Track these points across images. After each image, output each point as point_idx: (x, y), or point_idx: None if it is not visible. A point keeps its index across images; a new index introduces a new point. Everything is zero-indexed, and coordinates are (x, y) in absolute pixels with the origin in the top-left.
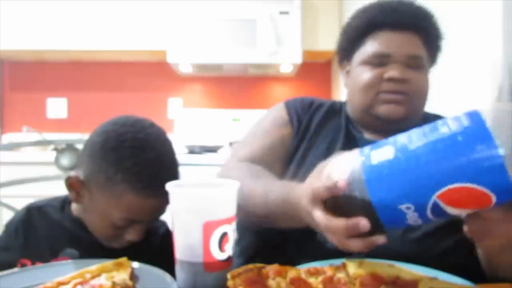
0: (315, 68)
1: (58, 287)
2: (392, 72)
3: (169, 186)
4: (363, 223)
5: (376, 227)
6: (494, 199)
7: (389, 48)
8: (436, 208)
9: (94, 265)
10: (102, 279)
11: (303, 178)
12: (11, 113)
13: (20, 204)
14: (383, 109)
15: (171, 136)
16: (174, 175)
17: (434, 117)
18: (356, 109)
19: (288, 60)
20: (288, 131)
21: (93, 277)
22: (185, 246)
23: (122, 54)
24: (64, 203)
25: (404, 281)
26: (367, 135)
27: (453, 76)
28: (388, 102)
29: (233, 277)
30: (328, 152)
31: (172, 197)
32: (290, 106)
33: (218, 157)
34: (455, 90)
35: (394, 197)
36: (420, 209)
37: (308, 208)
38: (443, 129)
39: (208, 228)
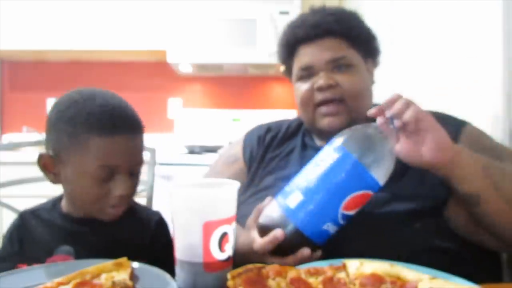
0: None
1: (58, 287)
2: (319, 81)
3: (170, 186)
4: (279, 232)
5: (310, 245)
6: (371, 193)
7: (310, 60)
8: (343, 216)
9: (94, 265)
10: (102, 279)
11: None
12: (11, 113)
13: (20, 204)
14: (324, 123)
15: (171, 136)
16: (132, 117)
17: None
18: (305, 124)
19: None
20: (240, 166)
21: (93, 277)
22: (185, 246)
23: (122, 54)
24: (55, 202)
25: (404, 281)
26: (318, 142)
27: (453, 76)
28: (327, 115)
29: (233, 277)
30: (284, 166)
31: (172, 197)
32: (246, 140)
33: None
34: (455, 89)
35: (319, 224)
36: (335, 223)
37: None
38: (324, 164)
39: (208, 228)
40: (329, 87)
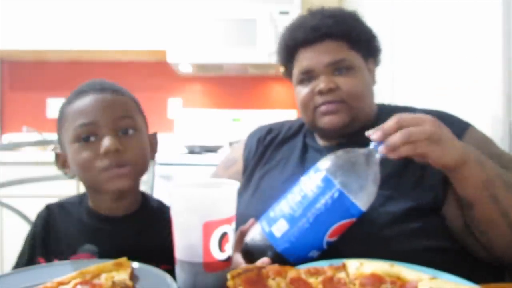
0: None
1: (58, 287)
2: (319, 85)
3: (170, 186)
4: (266, 261)
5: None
6: (354, 219)
7: (310, 63)
8: (327, 242)
9: (94, 265)
10: (102, 279)
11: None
12: (11, 113)
13: (20, 204)
14: (324, 122)
15: (171, 136)
16: (114, 85)
17: (390, 110)
18: (307, 125)
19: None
20: (238, 167)
21: (93, 277)
22: (185, 246)
23: (122, 54)
24: (82, 198)
25: (404, 281)
26: (320, 142)
27: (453, 76)
28: (326, 113)
29: (233, 277)
30: (283, 167)
31: (172, 197)
32: (247, 140)
33: (218, 157)
34: (455, 89)
35: (304, 251)
36: (319, 249)
37: None
38: (310, 193)
39: (208, 228)
40: (329, 90)
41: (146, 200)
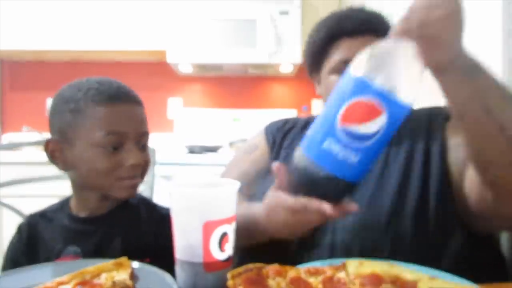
0: None
1: (58, 287)
2: None
3: (170, 186)
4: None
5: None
6: (383, 109)
7: (352, 54)
8: (344, 131)
9: (94, 265)
10: (102, 279)
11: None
12: (11, 113)
13: (20, 204)
14: None
15: (171, 136)
16: (130, 90)
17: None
18: None
19: (288, 60)
20: (262, 151)
21: (93, 277)
22: (185, 246)
23: (122, 54)
24: (63, 203)
25: (404, 281)
26: None
27: None
28: None
29: (233, 277)
30: None
31: (172, 197)
32: (267, 129)
33: (218, 157)
34: None
35: (319, 142)
36: (335, 138)
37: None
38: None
39: (208, 228)
40: None
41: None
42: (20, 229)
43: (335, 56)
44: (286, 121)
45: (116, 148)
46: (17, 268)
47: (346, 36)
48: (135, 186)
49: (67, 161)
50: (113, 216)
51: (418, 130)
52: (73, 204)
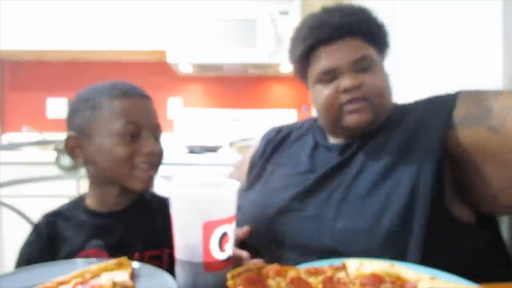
0: None
1: (58, 287)
2: (344, 82)
3: (170, 186)
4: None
5: None
6: None
7: (333, 62)
8: None
9: (94, 265)
10: (102, 279)
11: (272, 188)
12: (11, 113)
13: (20, 204)
14: (350, 120)
15: (171, 136)
16: (140, 88)
17: (401, 110)
18: (326, 124)
19: (288, 60)
20: (244, 169)
21: (93, 277)
22: (185, 246)
23: (122, 54)
24: (78, 201)
25: (404, 281)
26: (330, 140)
27: (453, 76)
28: (353, 112)
29: (233, 277)
30: (296, 159)
31: (172, 197)
32: (257, 143)
33: (218, 157)
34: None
35: None
36: None
37: None
38: None
39: (208, 228)
40: (357, 87)
41: (141, 193)
42: (38, 228)
43: (315, 66)
44: (279, 130)
45: (133, 137)
46: (17, 268)
47: (323, 45)
48: (150, 178)
49: (88, 156)
50: (131, 211)
51: (411, 122)
52: (90, 201)
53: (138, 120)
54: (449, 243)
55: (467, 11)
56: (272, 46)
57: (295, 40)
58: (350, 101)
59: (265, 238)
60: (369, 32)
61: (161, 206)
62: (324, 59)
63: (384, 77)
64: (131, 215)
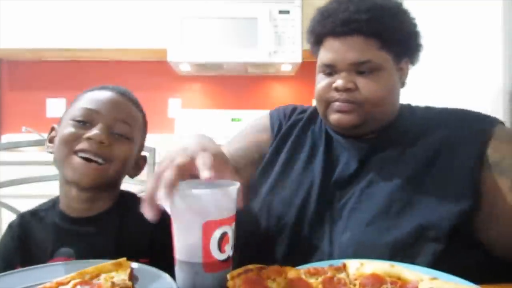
0: (315, 67)
1: (57, 287)
2: (338, 82)
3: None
4: None
5: None
6: None
7: (333, 58)
8: None
9: (93, 266)
10: (101, 280)
11: (286, 184)
12: (10, 113)
13: (20, 204)
14: (334, 118)
15: (171, 136)
16: (126, 90)
17: (410, 111)
18: (320, 115)
19: (288, 59)
20: (266, 137)
21: (92, 278)
22: (185, 246)
23: (122, 52)
24: (54, 202)
25: (404, 281)
26: (340, 139)
27: (453, 76)
28: (338, 111)
29: (233, 278)
30: (311, 157)
31: (172, 197)
32: (273, 114)
33: None
34: (455, 89)
35: None
36: None
37: None
38: None
39: (208, 228)
40: (346, 90)
41: (121, 196)
42: (11, 228)
43: (320, 56)
44: (294, 108)
45: (85, 124)
46: (17, 269)
47: (331, 36)
48: (88, 171)
49: (55, 143)
50: (105, 217)
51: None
52: (61, 202)
53: (95, 107)
54: (461, 260)
55: (467, 11)
56: (272, 45)
57: (313, 21)
58: (337, 100)
59: (275, 244)
60: (381, 34)
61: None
62: (327, 51)
63: (387, 85)
64: (105, 221)
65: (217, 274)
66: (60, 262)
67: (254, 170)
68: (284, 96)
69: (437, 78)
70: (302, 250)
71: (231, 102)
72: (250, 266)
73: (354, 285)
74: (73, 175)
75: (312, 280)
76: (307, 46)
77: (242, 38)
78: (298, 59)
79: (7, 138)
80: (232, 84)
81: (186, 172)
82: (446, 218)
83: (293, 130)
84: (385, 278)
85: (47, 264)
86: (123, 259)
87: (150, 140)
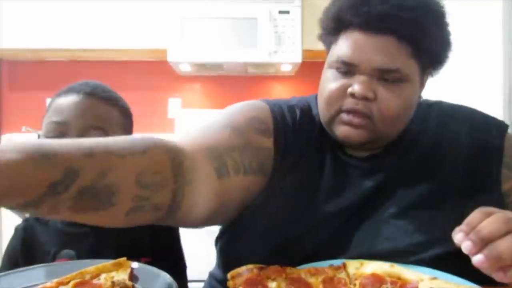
0: (315, 67)
1: (57, 287)
2: (355, 86)
3: None
4: None
5: None
6: None
7: (357, 57)
8: None
9: (94, 265)
10: (102, 279)
11: (285, 202)
12: (10, 113)
13: None
14: (341, 131)
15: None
16: (103, 87)
17: (419, 110)
18: (322, 120)
19: (288, 59)
20: (269, 144)
21: (92, 278)
22: None
23: (123, 52)
24: None
25: (404, 281)
26: (353, 158)
27: (453, 76)
28: (346, 124)
29: (233, 277)
30: (317, 177)
31: None
32: (276, 114)
33: None
34: (454, 89)
35: None
36: None
37: None
38: None
39: None
40: (365, 99)
41: None
42: (16, 231)
43: (337, 48)
44: (293, 115)
45: (60, 137)
46: (17, 269)
47: (357, 28)
48: None
49: None
50: None
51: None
52: None
53: (64, 120)
54: (462, 260)
55: (467, 11)
56: (272, 45)
57: (337, 4)
58: (349, 111)
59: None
60: (418, 42)
61: None
62: (351, 47)
63: (408, 101)
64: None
65: None
66: (60, 262)
67: (239, 179)
68: (284, 96)
69: (437, 78)
70: None
71: (231, 102)
72: (250, 266)
73: (354, 285)
74: None
75: (312, 280)
76: (308, 46)
77: (242, 38)
78: (298, 59)
79: (7, 138)
80: (232, 84)
81: None
82: None
83: (297, 143)
84: (385, 278)
85: (47, 264)
86: (123, 259)
87: None
